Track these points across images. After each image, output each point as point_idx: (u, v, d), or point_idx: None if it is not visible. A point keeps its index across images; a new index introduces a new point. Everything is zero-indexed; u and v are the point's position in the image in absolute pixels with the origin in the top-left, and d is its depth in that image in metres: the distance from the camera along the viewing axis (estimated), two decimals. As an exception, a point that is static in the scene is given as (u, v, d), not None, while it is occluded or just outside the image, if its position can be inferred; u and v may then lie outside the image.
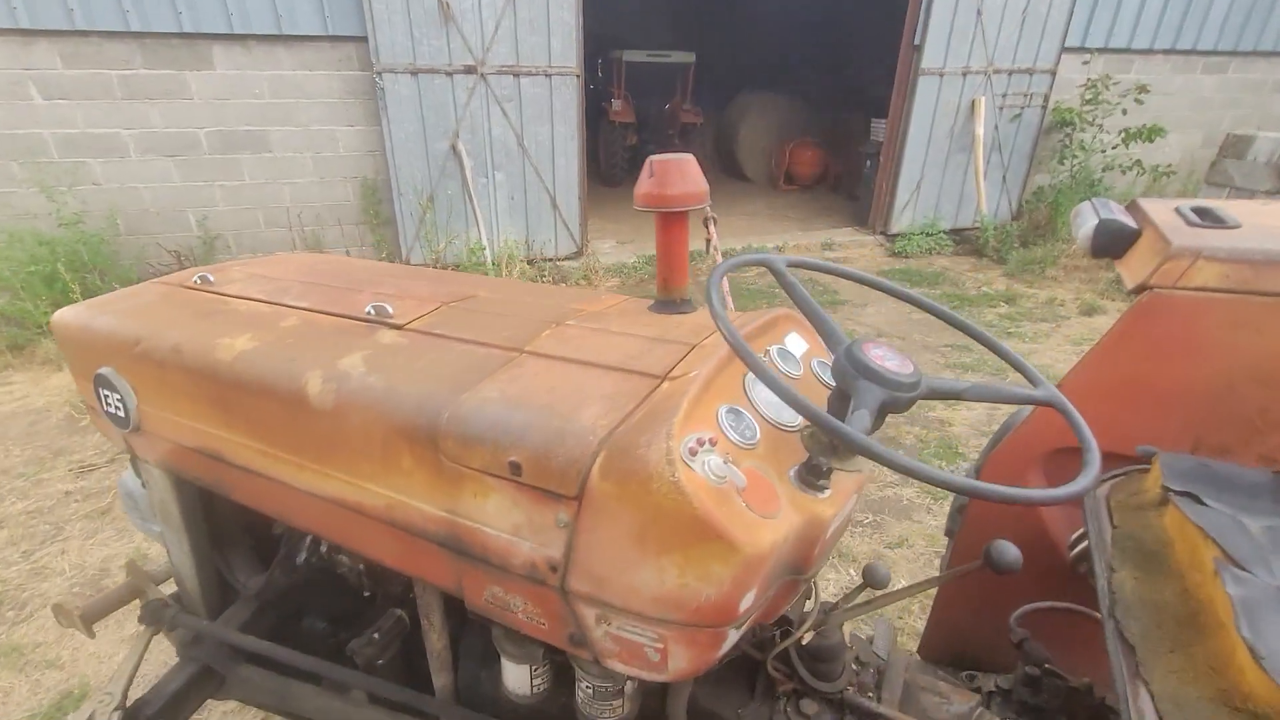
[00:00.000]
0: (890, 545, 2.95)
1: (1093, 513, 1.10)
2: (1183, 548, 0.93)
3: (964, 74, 7.17)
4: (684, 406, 0.87)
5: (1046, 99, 7.49)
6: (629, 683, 1.15)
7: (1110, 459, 1.19)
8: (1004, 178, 7.79)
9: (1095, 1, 7.18)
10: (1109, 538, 1.02)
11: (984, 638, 1.53)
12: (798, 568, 0.94)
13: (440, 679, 1.34)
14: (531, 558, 0.94)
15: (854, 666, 1.25)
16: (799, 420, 0.99)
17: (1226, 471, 1.02)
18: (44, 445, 3.80)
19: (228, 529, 1.65)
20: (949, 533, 1.65)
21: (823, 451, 0.88)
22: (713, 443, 0.86)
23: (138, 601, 1.64)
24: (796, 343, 1.18)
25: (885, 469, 0.74)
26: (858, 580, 1.21)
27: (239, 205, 6.08)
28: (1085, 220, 1.36)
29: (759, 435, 0.94)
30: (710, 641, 0.89)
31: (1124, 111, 7.05)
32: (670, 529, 0.81)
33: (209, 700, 1.65)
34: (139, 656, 1.58)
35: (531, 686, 1.21)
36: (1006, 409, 2.57)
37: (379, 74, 5.79)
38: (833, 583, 2.72)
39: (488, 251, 6.19)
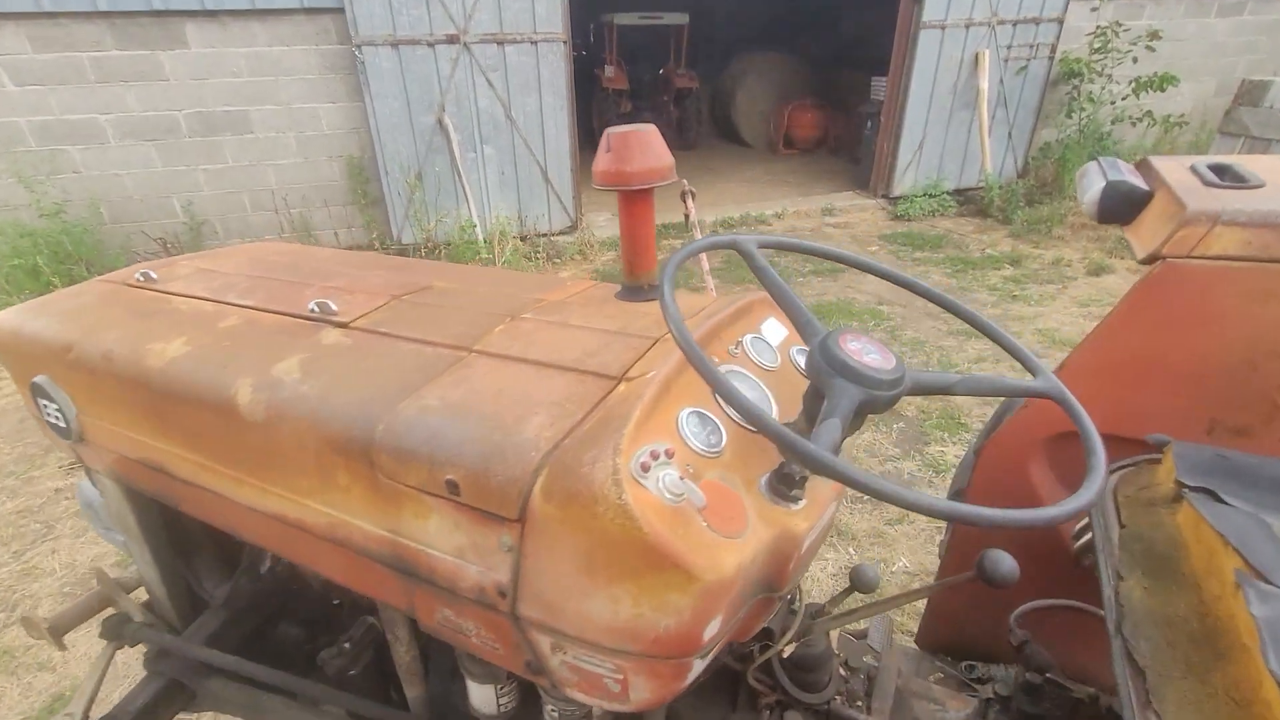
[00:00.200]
0: (890, 522, 2.87)
1: (1098, 507, 1.00)
2: (1198, 552, 0.84)
3: (967, 26, 6.88)
4: (635, 416, 0.77)
5: (1053, 49, 7.20)
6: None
7: (1119, 444, 1.09)
8: (1009, 134, 7.54)
9: (1105, -57, 6.87)
10: (1116, 538, 0.92)
11: (983, 628, 1.45)
12: (771, 585, 0.85)
13: (412, 691, 1.28)
14: (479, 582, 0.86)
15: (842, 673, 1.17)
16: None
17: (1247, 463, 0.91)
18: (34, 442, 3.75)
19: (192, 536, 1.58)
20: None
21: (795, 458, 0.79)
22: (669, 454, 0.76)
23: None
24: (774, 330, 1.08)
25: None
26: (856, 558, 1.12)
27: (223, 189, 5.95)
28: (1092, 182, 1.25)
29: (725, 439, 0.84)
30: (673, 673, 0.81)
31: (1135, 60, 6.75)
32: (619, 556, 0.72)
33: (180, 714, 1.60)
34: (101, 673, 1.53)
35: (498, 706, 1.15)
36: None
37: (358, 47, 5.60)
38: (831, 562, 2.65)
39: (479, 229, 6.04)
